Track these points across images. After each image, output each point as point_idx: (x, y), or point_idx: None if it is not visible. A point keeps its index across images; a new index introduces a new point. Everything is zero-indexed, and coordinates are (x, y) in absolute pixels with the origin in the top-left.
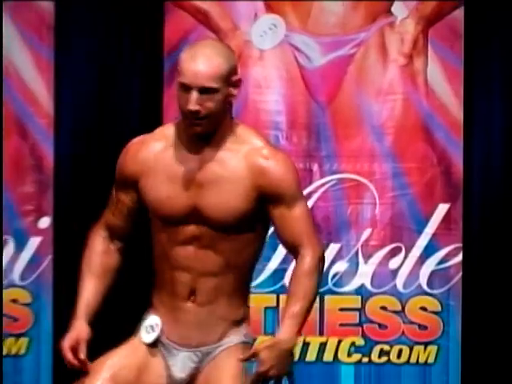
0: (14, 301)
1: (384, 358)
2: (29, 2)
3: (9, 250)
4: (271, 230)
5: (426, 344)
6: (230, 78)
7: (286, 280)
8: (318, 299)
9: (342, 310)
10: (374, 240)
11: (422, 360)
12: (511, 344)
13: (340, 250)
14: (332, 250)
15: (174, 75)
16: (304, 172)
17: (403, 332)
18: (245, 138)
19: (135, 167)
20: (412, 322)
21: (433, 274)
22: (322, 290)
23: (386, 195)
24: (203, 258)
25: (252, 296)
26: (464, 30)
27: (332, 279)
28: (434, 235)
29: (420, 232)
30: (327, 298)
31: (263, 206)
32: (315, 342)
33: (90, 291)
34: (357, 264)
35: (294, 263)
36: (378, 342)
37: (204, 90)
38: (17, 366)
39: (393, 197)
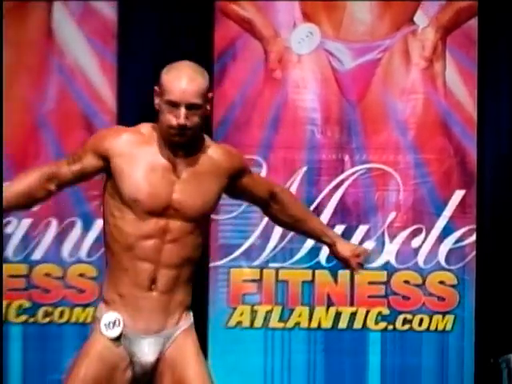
0: (81, 275)
1: (407, 326)
2: (94, 12)
3: (77, 230)
4: None
5: (443, 314)
6: (207, 95)
7: (321, 257)
8: (349, 274)
9: (370, 283)
10: (398, 222)
11: (440, 328)
12: None
13: (368, 230)
14: (361, 231)
15: (223, 76)
16: (336, 162)
17: (424, 303)
18: (205, 141)
19: (113, 142)
20: (431, 294)
21: (450, 251)
22: None
23: (408, 183)
24: (168, 251)
25: (290, 271)
26: (478, 38)
27: None
28: (451, 218)
29: (439, 215)
30: None
31: (231, 185)
32: (346, 311)
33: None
34: (383, 243)
35: (273, 203)
36: (401, 312)
37: (190, 106)
38: (81, 333)
39: (415, 184)
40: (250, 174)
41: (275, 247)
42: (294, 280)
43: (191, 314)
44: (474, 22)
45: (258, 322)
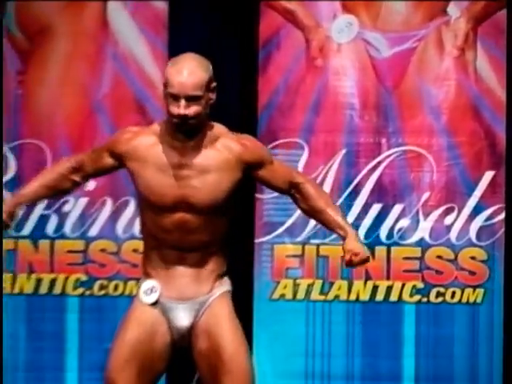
0: (135, 250)
1: (440, 299)
2: (146, 4)
3: (130, 208)
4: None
5: (474, 287)
6: (209, 86)
7: (359, 234)
8: (385, 249)
9: (405, 258)
10: (432, 201)
11: (471, 300)
12: None
13: (403, 209)
14: (397, 209)
15: (267, 64)
16: (373, 145)
17: (456, 277)
18: (216, 132)
19: (127, 147)
20: (463, 269)
21: (480, 229)
22: (388, 241)
23: (441, 164)
24: (189, 239)
25: (330, 247)
26: (506, 28)
27: (397, 233)
28: (481, 197)
29: (470, 195)
30: (393, 248)
31: (249, 175)
32: (383, 285)
33: (33, 189)
34: (417, 221)
35: (295, 193)
36: (435, 286)
37: (190, 98)
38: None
39: (447, 165)
40: (268, 166)
41: (316, 225)
42: (333, 255)
43: (228, 281)
44: (503, 14)
45: (300, 295)
